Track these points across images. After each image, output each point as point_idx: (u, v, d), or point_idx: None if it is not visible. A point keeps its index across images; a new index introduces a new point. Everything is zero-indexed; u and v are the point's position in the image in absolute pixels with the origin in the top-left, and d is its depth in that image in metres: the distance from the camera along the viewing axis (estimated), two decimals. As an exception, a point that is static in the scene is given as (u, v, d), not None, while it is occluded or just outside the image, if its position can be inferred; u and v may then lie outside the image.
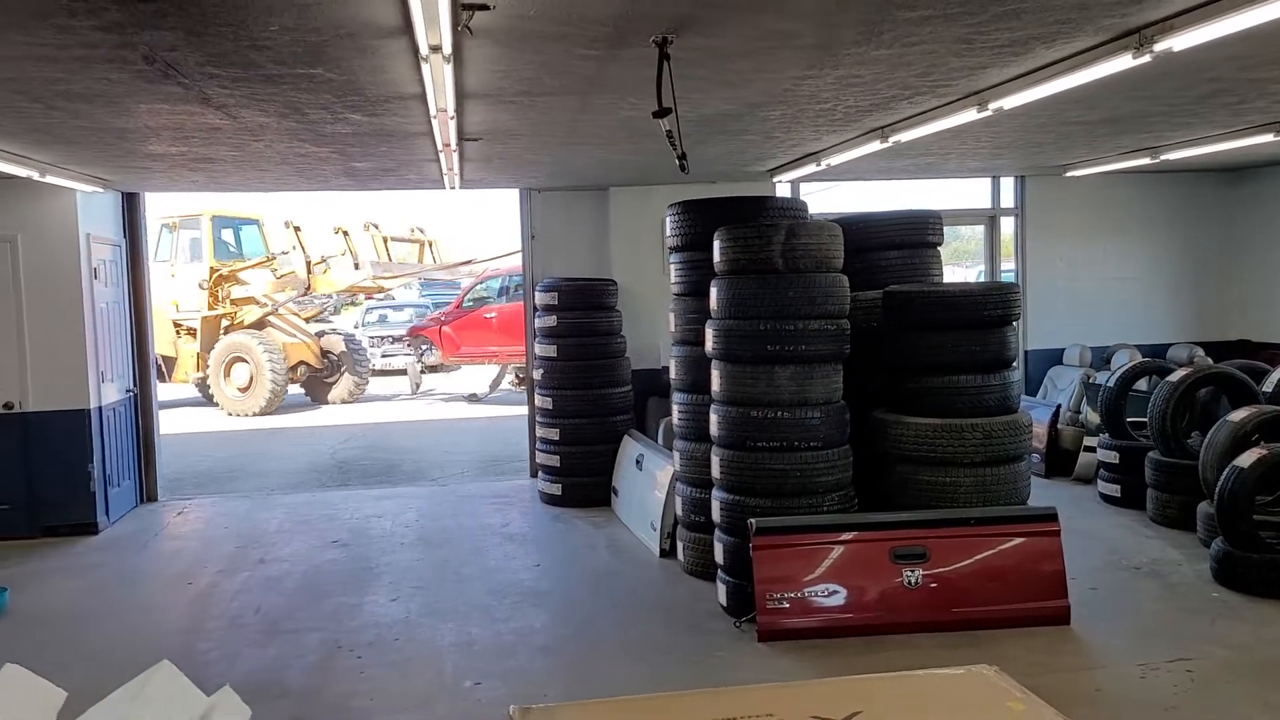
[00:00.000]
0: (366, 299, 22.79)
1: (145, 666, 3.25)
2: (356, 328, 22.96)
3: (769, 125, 6.84)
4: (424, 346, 20.04)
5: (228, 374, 17.97)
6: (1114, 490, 8.71)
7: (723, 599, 6.38)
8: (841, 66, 5.10)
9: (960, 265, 24.61)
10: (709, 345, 6.49)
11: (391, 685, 5.47)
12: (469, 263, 20.44)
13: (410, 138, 6.74)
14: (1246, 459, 6.47)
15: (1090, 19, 4.34)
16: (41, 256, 8.75)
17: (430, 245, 20.38)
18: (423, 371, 20.16)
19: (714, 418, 6.45)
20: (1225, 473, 6.53)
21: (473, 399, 19.10)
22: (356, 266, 18.68)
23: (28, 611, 6.88)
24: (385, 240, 19.33)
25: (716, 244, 6.47)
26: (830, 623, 5.87)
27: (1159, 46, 4.47)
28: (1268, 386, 8.03)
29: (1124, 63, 4.74)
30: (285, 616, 6.62)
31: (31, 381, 8.79)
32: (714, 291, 6.45)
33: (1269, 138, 7.75)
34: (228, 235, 19.70)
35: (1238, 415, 7.16)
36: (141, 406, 10.12)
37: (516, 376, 18.80)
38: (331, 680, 5.56)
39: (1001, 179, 11.32)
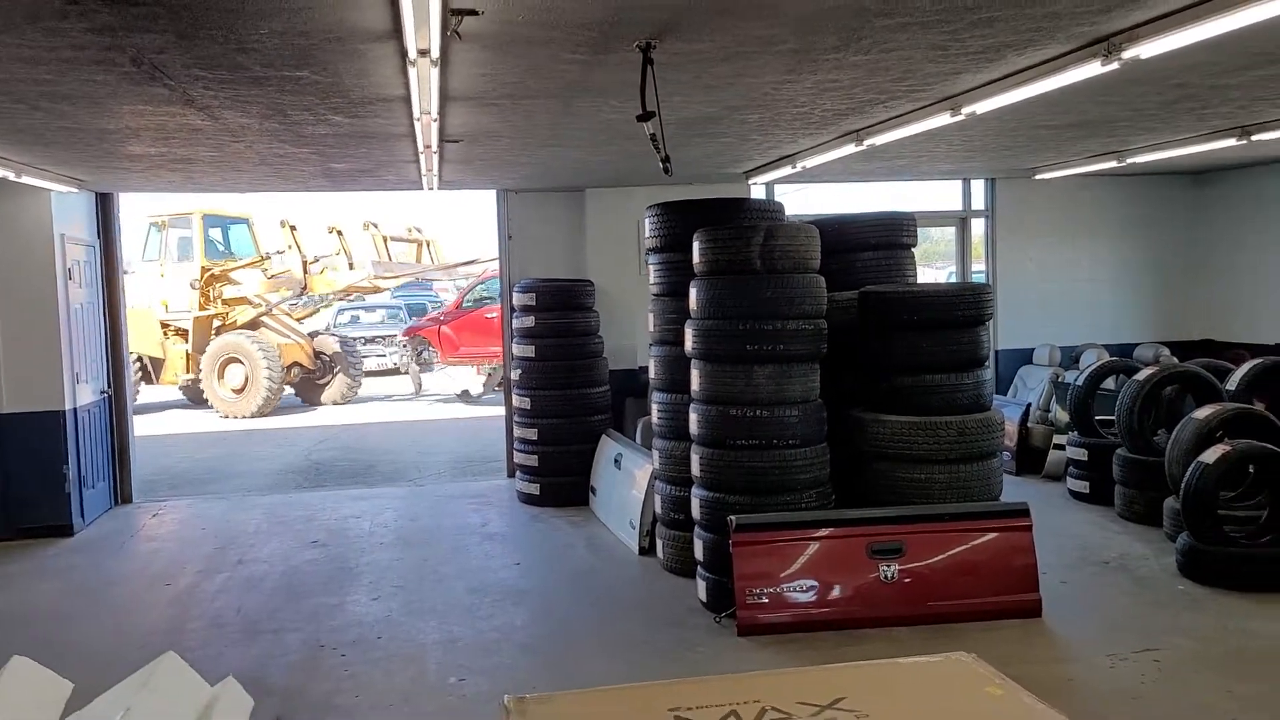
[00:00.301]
0: (339, 300, 22.65)
1: (130, 666, 3.28)
2: (328, 329, 22.74)
3: (747, 128, 6.94)
4: (420, 348, 19.95)
5: (221, 375, 17.67)
6: (1083, 487, 8.87)
7: (702, 595, 6.46)
8: (820, 71, 5.20)
9: (931, 266, 24.70)
10: (688, 345, 6.57)
11: (376, 682, 5.51)
12: (472, 263, 20.24)
13: (391, 139, 6.77)
14: (1211, 455, 6.64)
15: (1061, 27, 4.46)
16: (15, 257, 8.70)
17: (428, 245, 20.22)
18: (421, 372, 20.11)
19: (693, 416, 6.53)
20: (1190, 469, 6.69)
21: (465, 396, 19.04)
22: (351, 266, 18.52)
23: (7, 612, 6.86)
24: (385, 240, 19.18)
25: (696, 245, 6.55)
26: (808, 617, 5.97)
27: (1127, 54, 4.60)
28: (1231, 385, 8.21)
29: (1093, 69, 4.87)
30: (266, 616, 6.63)
31: (5, 382, 8.74)
32: (693, 292, 6.53)
33: (1232, 142, 7.94)
34: (216, 234, 19.46)
35: (1202, 413, 7.34)
36: (116, 408, 10.07)
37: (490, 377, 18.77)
38: (316, 678, 5.59)
39: (972, 181, 11.48)
